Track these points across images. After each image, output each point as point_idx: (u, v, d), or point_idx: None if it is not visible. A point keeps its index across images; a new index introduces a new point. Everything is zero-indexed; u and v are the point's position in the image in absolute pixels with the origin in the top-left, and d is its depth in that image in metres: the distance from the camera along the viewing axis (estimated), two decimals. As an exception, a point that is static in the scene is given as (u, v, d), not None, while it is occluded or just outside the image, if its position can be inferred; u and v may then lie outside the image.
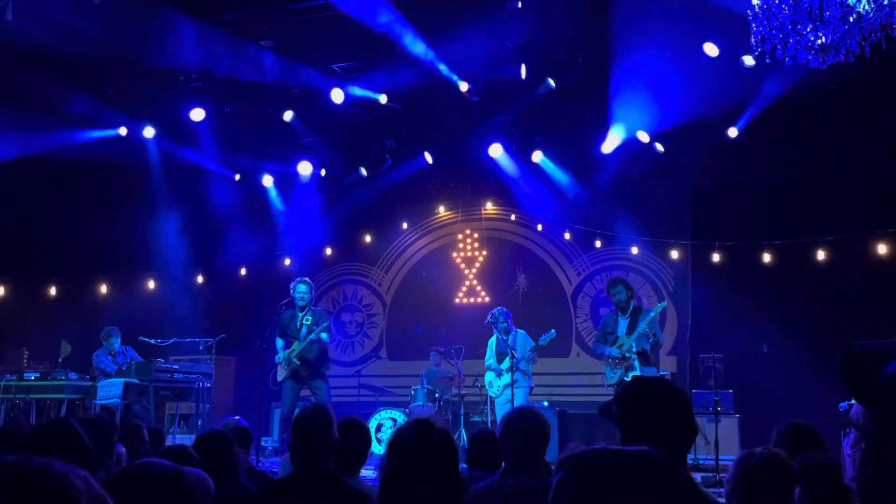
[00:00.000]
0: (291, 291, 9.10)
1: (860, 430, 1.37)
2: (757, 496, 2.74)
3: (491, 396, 9.54)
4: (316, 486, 3.14)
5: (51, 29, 9.34)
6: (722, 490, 3.13)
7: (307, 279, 9.28)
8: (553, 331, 9.23)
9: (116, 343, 10.07)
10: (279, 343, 9.15)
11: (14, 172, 10.99)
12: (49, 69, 9.86)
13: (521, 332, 9.36)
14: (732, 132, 9.94)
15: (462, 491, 2.39)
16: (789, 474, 2.79)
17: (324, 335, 8.92)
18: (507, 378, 9.14)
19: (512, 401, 8.80)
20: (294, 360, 8.91)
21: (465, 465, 4.19)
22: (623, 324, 8.28)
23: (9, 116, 10.10)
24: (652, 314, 8.26)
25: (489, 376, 9.47)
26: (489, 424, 9.57)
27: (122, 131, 11.24)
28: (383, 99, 10.37)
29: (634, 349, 8.10)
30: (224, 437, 3.92)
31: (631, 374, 8.11)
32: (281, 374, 9.03)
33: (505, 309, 9.43)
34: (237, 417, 5.18)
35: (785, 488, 2.77)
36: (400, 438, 2.40)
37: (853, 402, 7.82)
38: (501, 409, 9.31)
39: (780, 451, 2.88)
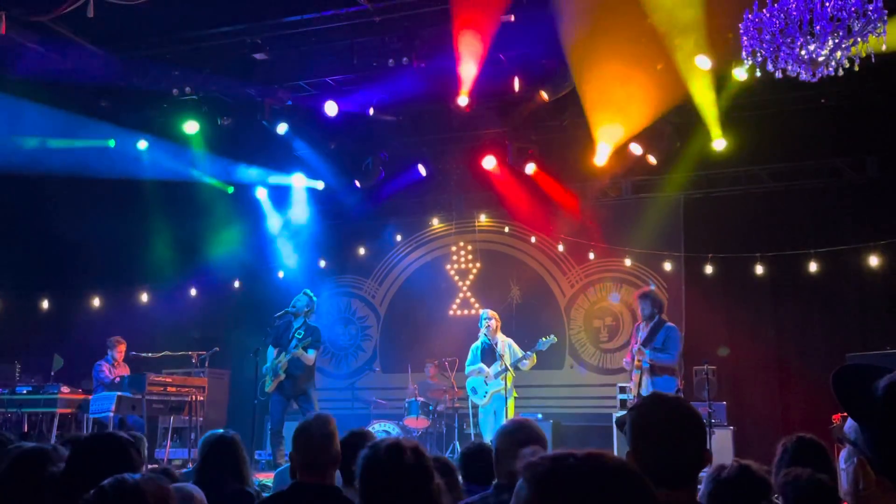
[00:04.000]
0: (292, 301, 9.15)
1: (852, 445, 1.37)
2: None
3: (475, 403, 9.50)
4: (314, 498, 3.12)
5: (44, 41, 9.34)
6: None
7: (310, 292, 9.30)
8: (553, 336, 9.23)
9: (121, 353, 10.17)
10: (270, 352, 9.14)
11: (3, 185, 10.97)
12: (41, 80, 9.86)
13: (509, 340, 9.36)
14: (719, 144, 9.96)
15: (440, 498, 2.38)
16: (761, 486, 2.79)
17: (311, 351, 8.91)
18: (494, 384, 9.14)
19: (506, 411, 8.80)
20: (281, 371, 8.91)
21: (460, 479, 4.18)
22: (642, 336, 8.33)
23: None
24: (666, 327, 8.30)
25: (473, 381, 9.41)
26: (472, 435, 9.55)
27: (111, 143, 11.27)
28: (371, 112, 10.40)
29: (645, 364, 8.12)
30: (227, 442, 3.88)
31: (643, 388, 8.13)
32: (268, 384, 9.01)
33: (489, 312, 9.41)
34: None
35: (756, 499, 2.77)
36: (372, 462, 2.39)
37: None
38: (486, 418, 9.28)
39: (752, 463, 2.87)
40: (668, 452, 2.15)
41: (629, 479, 1.18)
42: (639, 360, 8.17)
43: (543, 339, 9.20)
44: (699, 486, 2.85)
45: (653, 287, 8.89)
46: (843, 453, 1.45)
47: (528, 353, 9.16)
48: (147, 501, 1.92)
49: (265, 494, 4.62)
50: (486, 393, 9.25)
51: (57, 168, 11.12)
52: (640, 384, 8.16)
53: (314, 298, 9.28)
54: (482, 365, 9.31)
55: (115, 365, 10.25)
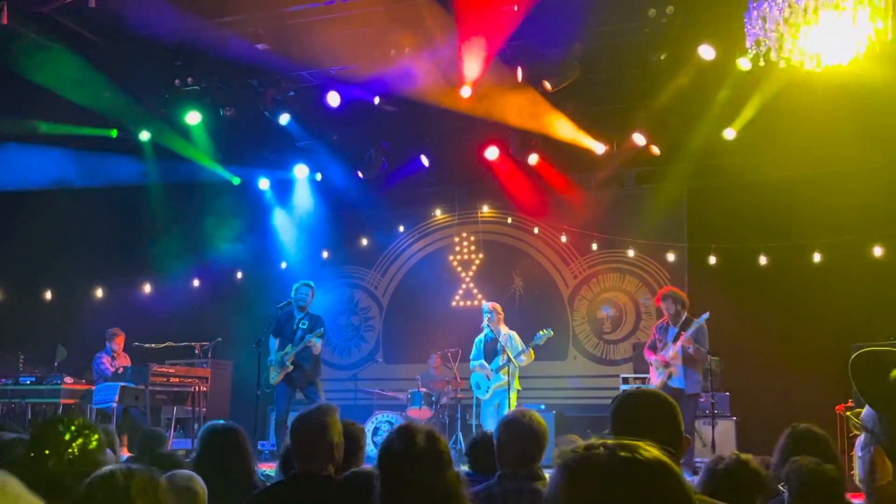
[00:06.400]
0: (292, 293, 9.12)
1: (869, 432, 1.35)
2: (725, 500, 2.75)
3: (478, 397, 9.51)
4: (313, 488, 3.13)
5: (46, 32, 9.32)
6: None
7: (310, 282, 9.28)
8: (549, 329, 9.23)
9: (119, 344, 10.20)
10: (272, 343, 9.13)
11: (5, 177, 10.97)
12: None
13: (512, 333, 9.36)
14: (730, 134, 9.97)
15: (459, 486, 2.37)
16: (756, 480, 2.82)
17: (318, 340, 8.90)
18: (497, 378, 9.14)
19: (509, 404, 8.80)
20: (287, 363, 8.90)
21: (466, 469, 4.18)
22: (673, 332, 8.43)
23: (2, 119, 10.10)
24: (696, 324, 8.36)
25: (476, 377, 9.41)
26: (474, 427, 9.57)
27: (114, 133, 11.27)
28: (377, 101, 10.38)
29: (679, 354, 8.25)
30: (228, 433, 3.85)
31: (674, 379, 8.24)
32: (273, 376, 9.00)
33: (491, 305, 9.42)
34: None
35: (753, 493, 2.80)
36: (386, 448, 2.40)
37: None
38: (489, 412, 9.28)
39: (750, 458, 2.91)
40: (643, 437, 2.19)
41: (658, 470, 1.19)
42: (675, 353, 8.24)
43: (541, 332, 9.20)
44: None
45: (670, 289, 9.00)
46: (860, 441, 1.44)
47: (525, 347, 9.17)
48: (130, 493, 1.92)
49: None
50: (489, 388, 9.25)
51: (58, 160, 11.13)
52: (670, 376, 8.24)
53: (312, 286, 9.27)
54: (483, 362, 9.32)
55: (115, 356, 10.27)
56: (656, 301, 9.27)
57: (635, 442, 1.23)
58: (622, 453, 1.19)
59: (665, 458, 1.21)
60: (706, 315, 8.45)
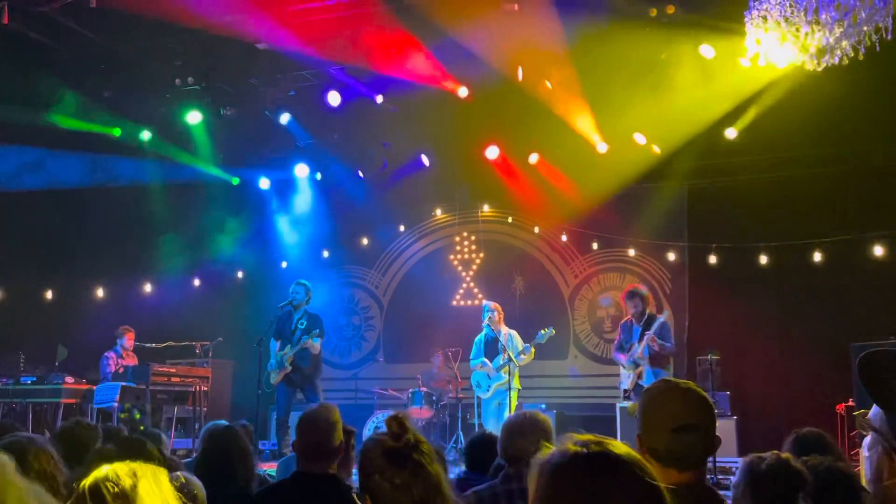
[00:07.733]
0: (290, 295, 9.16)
1: (877, 433, 1.36)
2: (767, 501, 2.72)
3: (479, 396, 9.51)
4: (316, 487, 3.14)
5: (46, 32, 9.33)
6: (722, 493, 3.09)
7: (304, 281, 9.29)
8: (551, 328, 9.24)
9: (129, 341, 10.22)
10: (273, 345, 9.13)
11: (7, 175, 10.97)
12: (45, 72, 9.84)
13: (512, 332, 9.36)
14: (731, 133, 9.97)
15: (445, 483, 2.36)
16: (799, 479, 2.78)
17: (315, 341, 8.91)
18: (498, 377, 9.14)
19: (510, 403, 8.80)
20: (286, 364, 8.91)
21: (464, 469, 4.19)
22: (637, 331, 8.42)
23: (2, 117, 10.09)
24: (658, 322, 8.36)
25: (477, 376, 9.41)
26: (476, 426, 9.57)
27: (117, 132, 11.27)
28: (380, 100, 10.38)
29: (646, 354, 8.24)
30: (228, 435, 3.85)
31: (644, 379, 8.23)
32: (273, 377, 9.02)
33: (492, 304, 9.43)
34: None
35: (794, 493, 2.76)
36: (363, 447, 2.39)
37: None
38: (489, 411, 9.29)
39: (790, 456, 2.87)
40: (677, 437, 2.13)
41: (627, 465, 1.23)
42: (641, 353, 8.25)
43: (543, 331, 9.21)
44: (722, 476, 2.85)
45: (640, 288, 8.98)
46: (867, 441, 1.44)
47: (527, 346, 9.17)
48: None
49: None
50: (490, 387, 9.25)
51: (59, 158, 11.13)
52: (640, 375, 8.25)
53: (306, 285, 9.27)
54: (485, 360, 9.32)
55: (123, 355, 10.28)
56: (621, 300, 9.28)
57: (607, 439, 1.28)
58: (593, 448, 1.25)
59: (634, 454, 1.26)
60: (666, 313, 8.48)
